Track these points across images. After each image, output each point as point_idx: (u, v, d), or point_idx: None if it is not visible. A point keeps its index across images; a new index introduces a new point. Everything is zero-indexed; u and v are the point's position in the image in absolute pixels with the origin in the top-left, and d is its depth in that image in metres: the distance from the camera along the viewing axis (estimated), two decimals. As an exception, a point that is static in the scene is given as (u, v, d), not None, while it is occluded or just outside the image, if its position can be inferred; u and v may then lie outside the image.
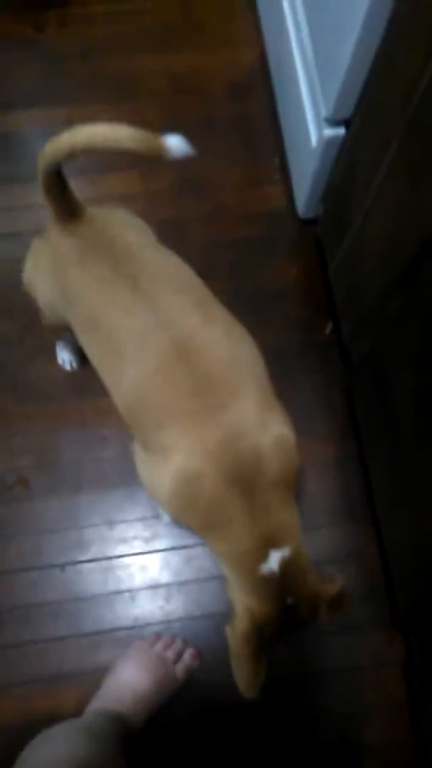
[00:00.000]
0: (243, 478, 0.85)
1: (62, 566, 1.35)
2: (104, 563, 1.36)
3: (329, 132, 1.29)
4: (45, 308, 1.12)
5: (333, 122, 1.28)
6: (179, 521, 1.04)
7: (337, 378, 1.50)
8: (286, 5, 1.47)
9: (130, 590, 1.35)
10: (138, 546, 1.38)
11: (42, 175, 0.89)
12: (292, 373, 1.51)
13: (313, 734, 1.26)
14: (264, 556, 0.86)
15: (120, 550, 1.37)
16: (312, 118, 1.36)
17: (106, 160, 1.66)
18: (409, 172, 0.97)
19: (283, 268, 1.61)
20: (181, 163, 1.81)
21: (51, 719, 1.22)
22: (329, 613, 0.89)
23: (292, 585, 0.87)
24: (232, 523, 0.86)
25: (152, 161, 1.78)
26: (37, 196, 1.62)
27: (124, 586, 1.35)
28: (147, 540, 1.38)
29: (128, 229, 1.02)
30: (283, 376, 0.97)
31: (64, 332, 1.20)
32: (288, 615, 0.87)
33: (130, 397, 0.93)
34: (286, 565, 0.86)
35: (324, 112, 1.27)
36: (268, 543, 0.86)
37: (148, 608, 1.34)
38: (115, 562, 1.36)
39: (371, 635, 1.33)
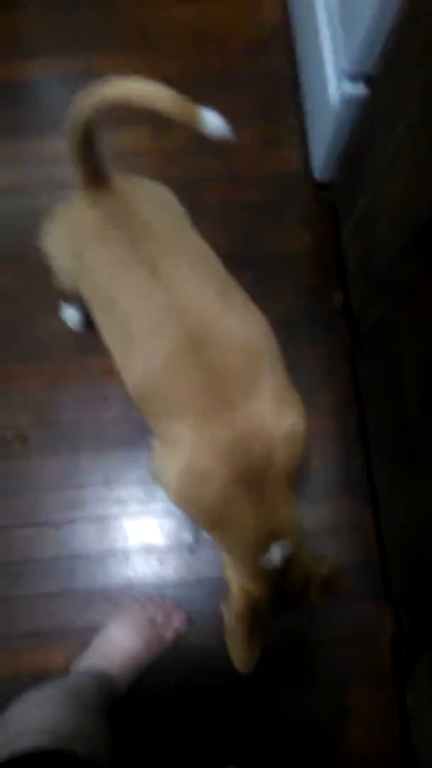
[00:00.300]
0: (252, 477, 0.84)
1: (58, 524, 1.35)
2: (100, 523, 1.35)
3: (349, 88, 1.24)
4: (62, 276, 1.08)
5: (354, 77, 1.22)
6: (189, 516, 1.04)
7: (343, 349, 1.47)
8: None
9: (124, 551, 1.34)
10: (135, 508, 1.37)
11: (73, 132, 0.84)
12: (297, 341, 1.48)
13: (302, 702, 1.26)
14: (265, 549, 0.87)
15: (116, 510, 1.36)
16: (333, 73, 1.31)
17: (120, 116, 1.61)
18: (428, 129, 0.92)
19: (295, 233, 1.56)
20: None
21: (39, 675, 1.24)
22: (323, 593, 0.90)
23: (289, 571, 0.88)
24: (237, 520, 0.86)
25: (164, 117, 1.73)
26: (49, 148, 1.61)
27: (118, 546, 1.35)
28: (144, 502, 1.37)
29: (153, 206, 0.97)
30: (288, 344, 0.94)
31: (77, 297, 1.16)
32: (282, 595, 0.88)
33: (141, 382, 0.90)
34: (285, 558, 0.87)
35: (345, 66, 1.21)
36: (271, 538, 0.87)
37: (141, 570, 1.33)
38: (111, 522, 1.36)
39: (362, 607, 1.32)
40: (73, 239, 0.97)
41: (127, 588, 1.32)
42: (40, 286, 1.47)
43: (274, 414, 0.85)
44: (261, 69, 1.70)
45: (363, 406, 1.39)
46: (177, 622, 1.26)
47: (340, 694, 1.27)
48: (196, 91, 0.77)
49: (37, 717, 0.87)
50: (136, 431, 1.39)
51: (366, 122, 1.21)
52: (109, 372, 1.43)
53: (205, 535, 1.34)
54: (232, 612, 0.88)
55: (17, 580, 1.31)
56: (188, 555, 1.34)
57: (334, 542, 1.36)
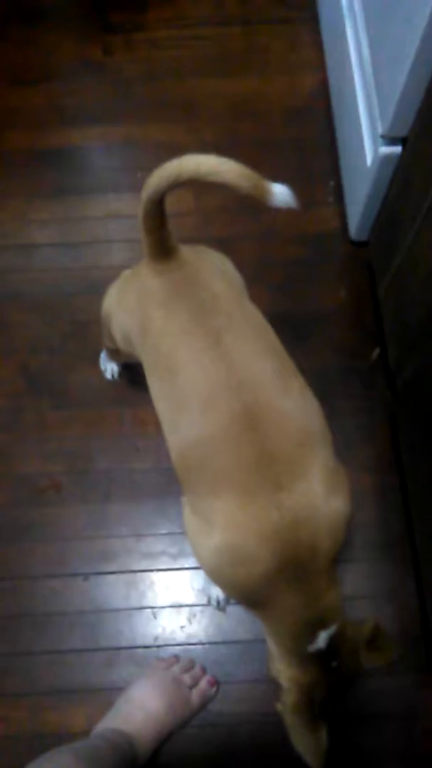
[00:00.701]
0: (296, 565, 0.82)
1: (85, 575, 1.32)
2: (128, 576, 1.32)
3: (385, 150, 1.27)
4: (120, 341, 1.09)
5: (389, 140, 1.25)
6: (221, 588, 1.01)
7: (381, 406, 1.44)
8: (348, 25, 1.47)
9: (152, 607, 1.30)
10: (164, 562, 1.34)
11: (144, 204, 0.86)
12: (334, 398, 1.46)
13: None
14: (313, 638, 0.85)
15: (145, 564, 1.33)
16: (368, 136, 1.34)
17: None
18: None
19: (332, 289, 1.58)
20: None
21: (59, 734, 1.20)
22: (369, 654, 0.88)
23: (336, 653, 0.86)
24: (279, 605, 0.85)
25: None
26: (92, 209, 1.68)
27: (146, 602, 1.31)
28: (174, 556, 1.34)
29: (220, 279, 0.97)
30: (325, 401, 0.93)
31: (126, 357, 1.18)
32: (333, 675, 0.87)
33: (189, 450, 0.89)
34: (333, 641, 0.86)
35: (381, 129, 1.25)
36: (317, 627, 0.85)
37: (169, 628, 1.29)
38: (139, 576, 1.33)
39: (404, 679, 1.23)
40: (139, 307, 0.97)
41: (153, 646, 1.27)
42: (78, 340, 1.51)
43: (322, 499, 0.82)
44: (299, 136, 1.76)
45: (403, 464, 1.35)
46: (205, 684, 1.20)
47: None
48: (235, 156, 0.80)
49: None
50: (167, 483, 1.37)
51: (401, 182, 1.23)
52: (143, 423, 1.43)
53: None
54: (288, 707, 0.86)
55: (41, 633, 1.28)
56: (219, 615, 1.29)
57: (373, 608, 1.29)
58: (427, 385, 1.12)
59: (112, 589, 1.32)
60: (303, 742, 0.86)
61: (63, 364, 1.50)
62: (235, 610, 1.29)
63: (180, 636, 1.28)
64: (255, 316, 0.96)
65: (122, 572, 1.33)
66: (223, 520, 0.82)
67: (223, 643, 1.27)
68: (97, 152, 1.76)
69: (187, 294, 0.92)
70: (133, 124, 1.79)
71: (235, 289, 0.99)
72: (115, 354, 1.30)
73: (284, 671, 0.88)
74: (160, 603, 1.31)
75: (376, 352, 1.49)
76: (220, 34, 1.91)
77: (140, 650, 1.27)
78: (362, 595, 1.30)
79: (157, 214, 0.87)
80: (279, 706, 0.88)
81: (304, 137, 1.76)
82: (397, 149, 1.25)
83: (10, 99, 1.82)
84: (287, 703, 0.86)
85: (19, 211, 1.67)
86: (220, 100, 1.82)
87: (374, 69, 1.30)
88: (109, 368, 1.45)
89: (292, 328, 1.45)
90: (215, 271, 0.99)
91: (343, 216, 1.62)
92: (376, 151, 1.30)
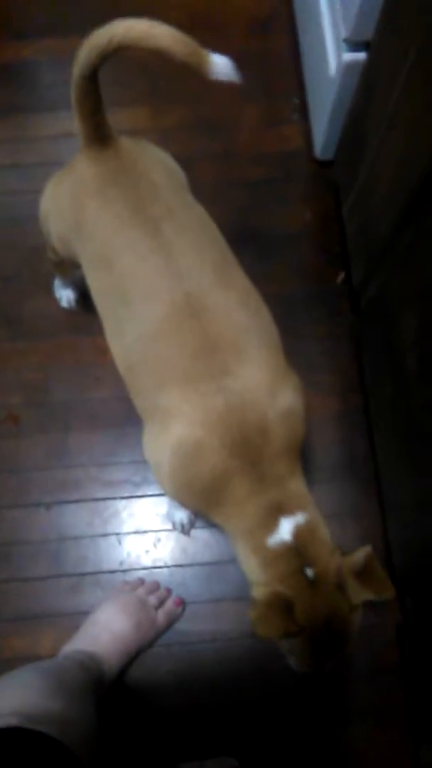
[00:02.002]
0: (248, 449, 0.79)
1: (47, 505, 1.31)
2: (91, 504, 1.31)
3: (348, 56, 1.21)
4: (57, 242, 1.04)
5: (353, 45, 1.19)
6: (184, 503, 0.97)
7: (346, 329, 1.42)
8: None
9: (116, 534, 1.30)
10: (127, 490, 1.33)
11: (76, 83, 0.82)
12: (298, 322, 1.43)
13: (303, 696, 1.20)
14: (274, 526, 0.79)
15: (108, 492, 1.32)
16: (332, 42, 1.28)
17: (114, 94, 1.58)
18: (426, 83, 0.88)
19: (296, 212, 1.53)
20: (194, 101, 1.73)
21: (27, 659, 1.19)
22: (360, 587, 0.77)
23: (310, 554, 0.78)
24: (237, 497, 0.80)
25: (163, 92, 1.69)
26: (44, 129, 1.59)
27: (110, 529, 1.30)
28: (136, 484, 1.33)
29: (160, 169, 0.93)
30: (289, 326, 0.91)
31: (72, 270, 1.13)
32: (314, 591, 0.77)
33: (131, 349, 0.86)
34: (300, 534, 0.79)
35: (344, 32, 1.18)
36: (277, 511, 0.80)
37: (134, 553, 1.29)
38: (102, 504, 1.32)
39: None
40: (72, 197, 0.93)
41: (118, 570, 1.27)
42: (32, 267, 1.45)
43: (269, 387, 0.81)
44: (262, 49, 1.67)
45: (366, 385, 1.34)
46: (171, 604, 1.22)
47: (341, 687, 1.21)
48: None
49: (9, 698, 0.83)
50: (127, 412, 1.34)
51: (365, 89, 1.17)
52: (102, 352, 1.38)
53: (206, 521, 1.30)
54: (255, 618, 0.75)
55: (5, 562, 1.27)
56: (183, 539, 1.29)
57: (338, 527, 1.30)
58: (389, 303, 1.10)
59: (75, 518, 1.31)
60: (288, 652, 0.81)
61: (17, 293, 1.44)
62: (200, 534, 1.29)
63: (145, 560, 1.28)
64: (196, 209, 0.92)
65: (85, 501, 1.32)
66: (172, 413, 0.80)
67: (189, 565, 1.28)
68: (48, 67, 1.65)
69: (123, 182, 0.87)
70: (87, 36, 1.67)
71: (176, 181, 0.95)
72: (60, 268, 1.23)
73: (257, 581, 0.80)
74: (124, 530, 1.31)
75: (341, 275, 1.46)
76: None
77: (106, 575, 1.27)
78: (328, 514, 1.30)
79: (90, 95, 0.83)
80: (249, 614, 0.78)
81: (268, 50, 1.67)
82: (361, 55, 1.19)
83: None
84: (253, 616, 0.76)
85: (-36, 131, 1.57)
86: (178, 11, 1.70)
87: (337, -33, 1.22)
88: (65, 296, 1.39)
89: (255, 252, 1.42)
90: (155, 161, 0.94)
91: (308, 134, 1.56)
92: (339, 58, 1.23)
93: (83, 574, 1.27)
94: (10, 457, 1.34)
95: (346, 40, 1.19)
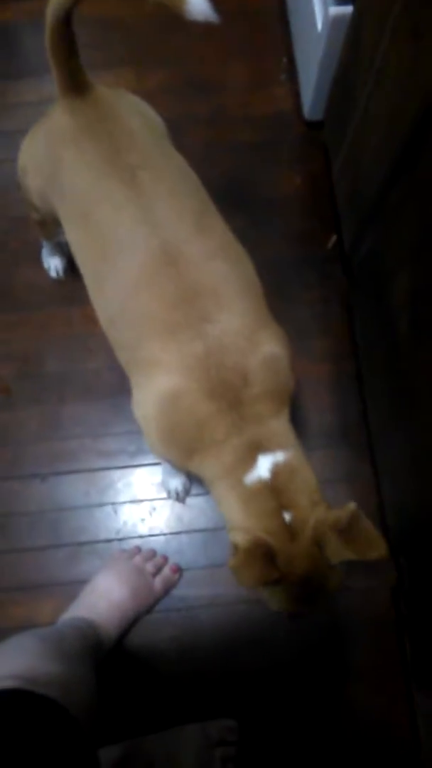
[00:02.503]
0: (227, 394, 0.77)
1: (43, 476, 1.31)
2: (87, 475, 1.32)
3: (335, 10, 1.17)
4: (36, 198, 1.02)
5: (339, -2, 1.15)
6: (169, 456, 0.95)
7: (338, 294, 1.41)
8: None
9: (112, 503, 1.31)
10: (122, 460, 1.33)
11: (49, 26, 0.80)
12: (290, 287, 1.42)
13: (301, 659, 1.22)
14: (252, 463, 0.77)
15: (103, 462, 1.32)
16: (318, -4, 1.23)
17: (96, 58, 1.55)
18: (413, 33, 0.86)
19: (286, 175, 1.50)
20: (180, 61, 1.68)
21: (26, 628, 1.21)
22: (348, 546, 0.72)
23: (288, 496, 0.76)
24: (215, 438, 0.78)
25: (146, 54, 1.64)
26: (26, 93, 1.55)
27: (106, 498, 1.31)
28: (132, 454, 1.33)
29: (137, 117, 0.91)
30: (281, 291, 0.90)
31: (55, 230, 1.11)
32: (292, 538, 0.74)
33: (111, 304, 0.85)
34: (279, 473, 0.76)
35: (329, -15, 1.14)
36: (256, 449, 0.77)
37: (130, 522, 1.30)
38: (98, 474, 1.32)
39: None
40: (48, 149, 0.91)
41: (115, 539, 1.28)
42: (19, 237, 1.43)
43: (250, 333, 0.79)
44: (248, 7, 1.62)
45: (358, 350, 1.33)
46: (168, 571, 1.23)
47: (338, 646, 1.23)
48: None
49: (9, 662, 0.84)
50: (120, 382, 1.34)
51: (352, 44, 1.14)
52: (93, 321, 1.35)
53: (196, 487, 1.30)
54: (235, 561, 0.72)
55: (2, 534, 1.28)
56: (179, 507, 1.30)
57: (332, 492, 1.30)
58: (380, 264, 1.08)
59: (72, 488, 1.31)
60: (267, 597, 0.79)
61: (4, 264, 1.42)
62: (195, 501, 1.30)
63: (141, 528, 1.29)
64: (176, 159, 0.91)
65: (80, 471, 1.32)
66: (154, 364, 0.79)
67: (185, 532, 1.29)
68: (29, 30, 1.60)
69: (99, 131, 0.86)
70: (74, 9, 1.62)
71: (155, 129, 0.94)
72: (44, 228, 1.21)
73: (235, 525, 0.77)
74: (120, 499, 1.31)
75: (333, 239, 1.44)
76: None
77: (102, 544, 1.28)
78: (321, 480, 1.31)
79: (64, 39, 0.82)
80: (230, 562, 0.73)
81: (255, 11, 1.62)
82: (348, 9, 1.15)
83: None
84: (234, 564, 0.72)
85: None
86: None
87: None
88: (53, 265, 1.38)
89: (245, 217, 1.38)
90: (132, 110, 0.93)
91: (296, 95, 1.52)
92: (326, 12, 1.20)
93: (80, 544, 1.28)
94: (3, 428, 1.34)
95: (332, -7, 1.15)
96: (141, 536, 1.29)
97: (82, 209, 0.86)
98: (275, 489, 0.76)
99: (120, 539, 1.28)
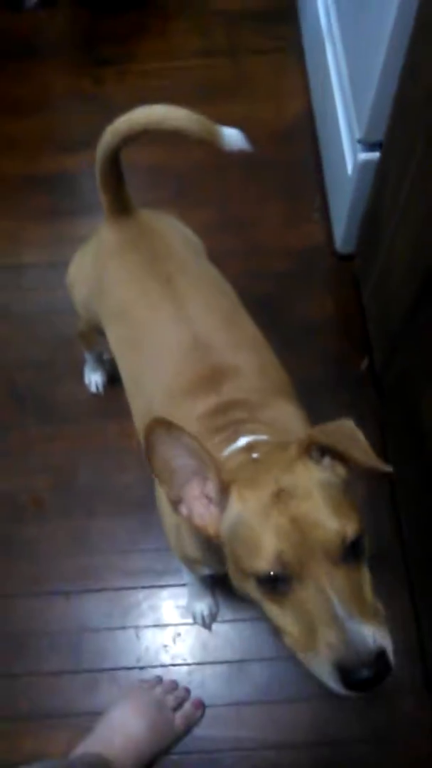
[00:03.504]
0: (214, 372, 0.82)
1: (67, 594, 1.27)
2: (111, 594, 1.27)
3: (363, 156, 1.28)
4: (81, 307, 1.11)
5: (367, 145, 1.26)
6: (203, 561, 0.91)
7: (372, 413, 1.41)
8: (328, 49, 1.51)
9: (135, 627, 1.25)
10: (148, 579, 1.29)
11: (99, 162, 0.91)
12: (324, 407, 1.39)
13: None
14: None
15: (129, 581, 1.28)
16: (348, 144, 1.36)
17: (144, 198, 1.70)
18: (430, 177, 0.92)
19: (319, 302, 1.56)
20: (219, 202, 1.83)
21: (35, 760, 1.12)
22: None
23: None
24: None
25: (190, 195, 1.80)
26: (81, 227, 1.70)
27: (129, 621, 1.25)
28: (159, 573, 1.29)
29: (175, 234, 1.02)
30: (315, 411, 0.91)
31: (95, 338, 1.20)
32: None
33: (146, 396, 0.89)
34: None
35: (358, 134, 1.26)
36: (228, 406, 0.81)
37: (152, 648, 1.23)
38: (123, 594, 1.27)
39: (402, 701, 1.16)
40: (95, 261, 1.01)
41: (136, 668, 1.21)
42: (66, 355, 1.50)
43: (263, 395, 0.82)
44: (285, 156, 1.78)
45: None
46: (189, 706, 1.14)
47: None
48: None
49: None
50: (152, 497, 1.33)
51: (378, 185, 1.23)
52: (127, 436, 1.40)
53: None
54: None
55: (20, 654, 1.23)
56: (204, 634, 1.23)
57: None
58: (409, 385, 1.09)
59: (95, 608, 1.27)
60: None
61: (49, 380, 1.49)
62: (221, 629, 1.23)
63: (164, 657, 1.22)
64: (210, 269, 0.98)
65: (105, 590, 1.28)
66: None
67: (209, 663, 1.21)
68: (87, 176, 1.78)
69: (141, 242, 0.95)
70: (123, 150, 1.82)
71: (192, 245, 1.02)
72: (86, 339, 1.29)
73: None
74: (143, 622, 1.25)
75: (365, 361, 1.47)
76: (208, 64, 1.96)
77: (122, 672, 1.21)
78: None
79: (113, 171, 0.92)
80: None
81: (291, 159, 1.78)
82: (375, 154, 1.26)
83: (6, 128, 1.87)
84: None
85: (11, 233, 1.70)
86: (208, 125, 1.85)
87: (351, 83, 1.32)
88: (93, 381, 1.44)
89: (279, 337, 1.43)
90: (172, 227, 1.02)
91: (329, 232, 1.62)
92: (355, 157, 1.31)
93: (101, 671, 1.21)
94: (32, 542, 1.33)
95: (360, 141, 1.27)
96: (163, 665, 1.21)
97: (121, 309, 0.93)
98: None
99: (141, 667, 1.21)
